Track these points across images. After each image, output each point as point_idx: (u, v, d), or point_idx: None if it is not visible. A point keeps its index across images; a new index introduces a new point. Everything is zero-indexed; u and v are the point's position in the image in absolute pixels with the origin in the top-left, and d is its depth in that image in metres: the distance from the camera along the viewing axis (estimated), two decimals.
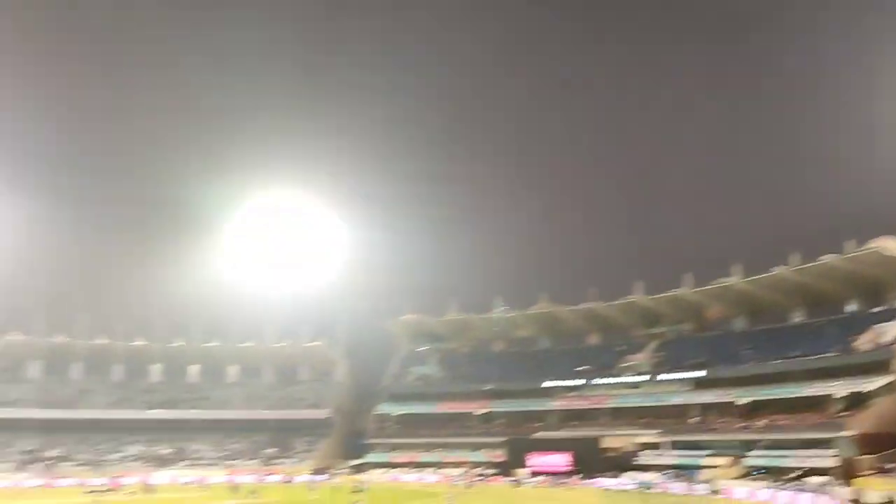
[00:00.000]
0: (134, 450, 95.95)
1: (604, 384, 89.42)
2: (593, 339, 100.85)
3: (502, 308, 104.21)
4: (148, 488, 63.57)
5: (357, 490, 53.21)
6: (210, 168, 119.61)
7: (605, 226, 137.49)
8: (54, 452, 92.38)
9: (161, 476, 79.29)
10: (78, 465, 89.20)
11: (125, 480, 72.73)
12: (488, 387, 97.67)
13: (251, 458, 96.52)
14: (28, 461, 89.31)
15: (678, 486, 63.88)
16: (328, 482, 75.81)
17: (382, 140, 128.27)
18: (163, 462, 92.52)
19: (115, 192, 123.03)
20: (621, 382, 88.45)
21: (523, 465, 76.44)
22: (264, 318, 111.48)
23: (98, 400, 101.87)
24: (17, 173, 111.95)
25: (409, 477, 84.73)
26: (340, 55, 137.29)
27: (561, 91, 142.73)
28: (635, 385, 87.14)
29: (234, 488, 64.00)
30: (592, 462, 74.79)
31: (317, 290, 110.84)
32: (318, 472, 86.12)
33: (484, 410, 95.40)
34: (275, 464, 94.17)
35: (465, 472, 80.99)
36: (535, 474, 75.33)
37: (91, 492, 65.30)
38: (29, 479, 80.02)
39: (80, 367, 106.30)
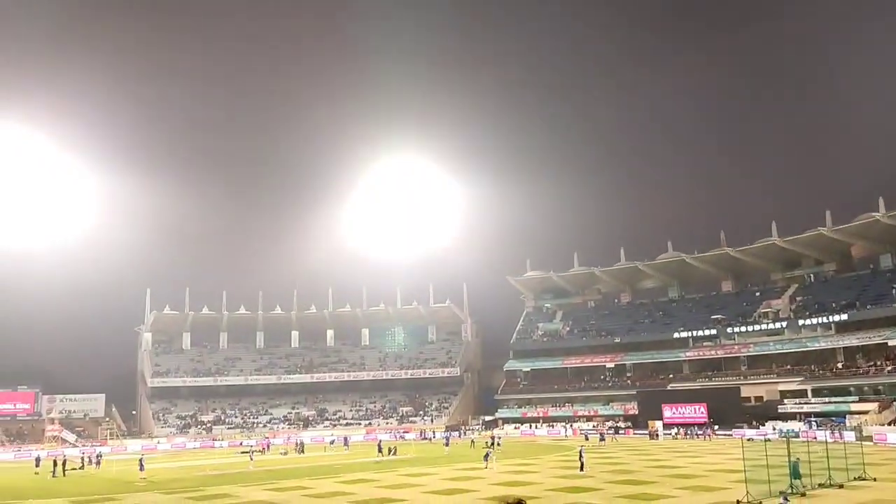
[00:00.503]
0: (279, 412, 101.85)
1: (740, 332, 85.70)
2: (726, 286, 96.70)
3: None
4: (298, 447, 66.98)
5: (490, 445, 54.02)
6: (336, 137, 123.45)
7: (733, 168, 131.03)
8: (209, 416, 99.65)
9: (306, 436, 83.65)
10: (230, 427, 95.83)
11: (275, 441, 77.38)
12: (617, 340, 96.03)
13: (387, 417, 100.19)
14: (186, 425, 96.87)
15: (825, 435, 60.59)
16: (462, 438, 77.44)
17: (499, 101, 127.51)
18: (306, 423, 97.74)
19: (249, 170, 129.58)
20: (759, 329, 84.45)
21: (657, 418, 74.93)
22: (392, 282, 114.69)
23: (244, 367, 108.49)
24: (157, 157, 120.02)
25: (540, 431, 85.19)
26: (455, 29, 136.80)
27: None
28: (775, 331, 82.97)
29: (375, 446, 66.65)
30: (731, 412, 72.22)
31: (441, 251, 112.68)
32: (451, 428, 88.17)
33: (614, 363, 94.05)
34: (410, 421, 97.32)
35: (597, 425, 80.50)
36: (669, 426, 73.68)
37: (244, 452, 69.91)
38: (189, 441, 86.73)
39: (226, 337, 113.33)
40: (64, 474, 49.30)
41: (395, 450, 59.42)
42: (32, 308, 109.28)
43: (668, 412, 76.39)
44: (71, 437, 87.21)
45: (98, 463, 56.83)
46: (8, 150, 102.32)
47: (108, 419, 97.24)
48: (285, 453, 65.32)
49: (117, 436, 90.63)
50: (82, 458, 59.04)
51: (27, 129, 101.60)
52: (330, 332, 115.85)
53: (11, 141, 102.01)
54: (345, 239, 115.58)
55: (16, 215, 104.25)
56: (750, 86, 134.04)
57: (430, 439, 78.61)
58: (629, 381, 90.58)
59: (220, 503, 31.44)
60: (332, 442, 76.81)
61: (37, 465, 54.34)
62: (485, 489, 33.21)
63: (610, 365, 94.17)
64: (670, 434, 71.38)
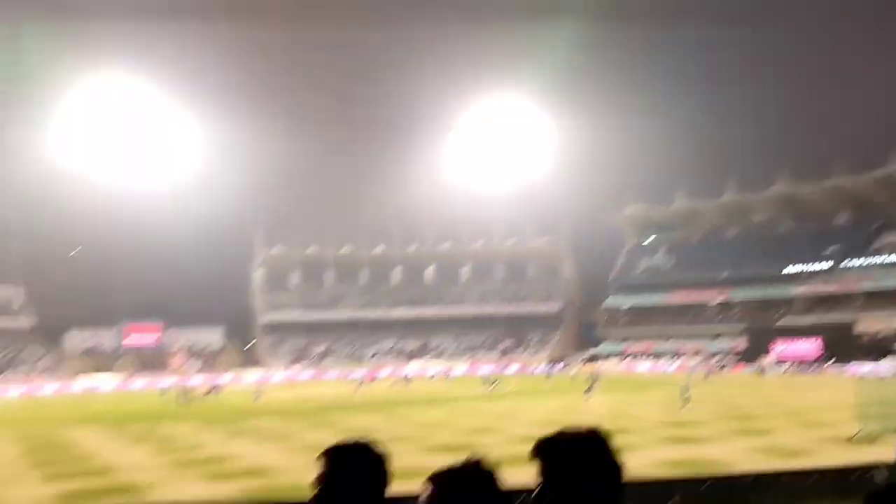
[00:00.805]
0: (384, 346, 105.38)
1: (856, 266, 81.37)
2: (841, 219, 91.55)
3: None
4: (406, 380, 69.26)
5: (591, 379, 54.27)
6: (437, 76, 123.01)
7: (848, 90, 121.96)
8: (319, 349, 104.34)
9: (410, 368, 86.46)
10: (339, 360, 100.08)
11: (381, 373, 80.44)
12: (724, 274, 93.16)
13: (488, 351, 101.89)
14: (298, 357, 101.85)
15: None
16: (563, 372, 77.97)
17: (594, 36, 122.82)
18: (410, 356, 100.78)
19: (354, 110, 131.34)
20: (877, 263, 79.89)
21: (766, 353, 72.85)
22: (492, 218, 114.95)
23: (350, 303, 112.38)
24: (262, 101, 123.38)
25: (643, 367, 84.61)
26: None
27: None
28: (893, 265, 78.29)
29: (480, 379, 68.16)
30: (845, 348, 69.28)
31: (542, 187, 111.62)
32: (552, 362, 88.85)
33: (720, 299, 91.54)
34: (511, 356, 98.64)
35: (703, 361, 79.10)
36: (780, 362, 71.56)
37: (352, 384, 73.13)
38: (300, 373, 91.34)
39: (332, 274, 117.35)
40: (189, 401, 53.18)
41: (497, 382, 60.58)
42: (156, 247, 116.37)
43: (777, 348, 74.11)
44: (194, 367, 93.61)
45: (219, 391, 60.95)
46: (122, 100, 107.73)
47: (226, 351, 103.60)
48: (394, 384, 67.52)
49: (235, 367, 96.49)
50: (212, 386, 63.51)
51: (138, 80, 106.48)
52: (431, 269, 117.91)
53: (125, 91, 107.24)
54: (446, 175, 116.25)
55: (137, 160, 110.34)
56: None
57: (532, 373, 79.62)
58: (737, 317, 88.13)
59: (331, 429, 33.18)
60: (432, 376, 79.04)
61: (165, 392, 58.85)
62: (586, 421, 33.47)
63: (716, 300, 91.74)
64: (780, 370, 69.39)
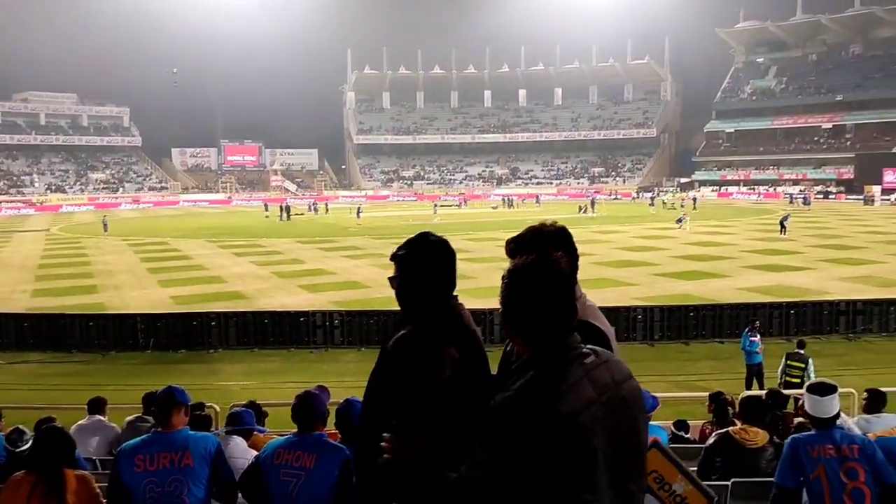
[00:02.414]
0: (474, 170, 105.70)
1: None
2: None
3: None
4: (506, 203, 68.81)
5: (684, 207, 53.22)
6: None
7: None
8: (409, 172, 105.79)
9: (500, 192, 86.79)
10: (430, 182, 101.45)
11: (472, 197, 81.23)
12: (839, 97, 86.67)
13: (579, 177, 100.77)
14: (389, 179, 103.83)
15: None
16: (656, 199, 76.63)
17: None
18: (500, 181, 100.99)
19: None
20: None
21: (877, 183, 68.97)
22: (588, 37, 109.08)
23: (440, 126, 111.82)
24: None
25: (741, 195, 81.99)
26: None
27: None
28: None
29: (570, 204, 68.04)
30: None
31: (642, 3, 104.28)
32: (644, 189, 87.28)
33: (832, 124, 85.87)
34: (601, 182, 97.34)
35: (804, 189, 75.83)
36: (889, 192, 67.82)
37: (441, 205, 74.42)
38: (393, 194, 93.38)
39: (422, 96, 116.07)
40: (289, 218, 55.71)
41: (587, 208, 60.10)
42: (251, 70, 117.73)
43: (889, 177, 70.02)
44: (292, 187, 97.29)
45: (317, 210, 63.45)
46: None
47: (321, 172, 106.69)
48: (495, 208, 67.96)
49: (330, 187, 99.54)
50: (310, 205, 66.15)
51: None
52: (522, 92, 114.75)
53: None
54: None
55: None
56: None
57: (617, 199, 78.64)
58: (848, 144, 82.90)
59: None
60: (523, 201, 78.76)
61: (266, 210, 61.74)
62: (676, 248, 33.32)
63: (827, 125, 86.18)
64: (889, 200, 65.95)
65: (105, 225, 45.73)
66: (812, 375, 11.88)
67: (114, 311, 19.69)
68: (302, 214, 60.84)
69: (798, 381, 11.72)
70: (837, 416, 4.11)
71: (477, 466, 1.92)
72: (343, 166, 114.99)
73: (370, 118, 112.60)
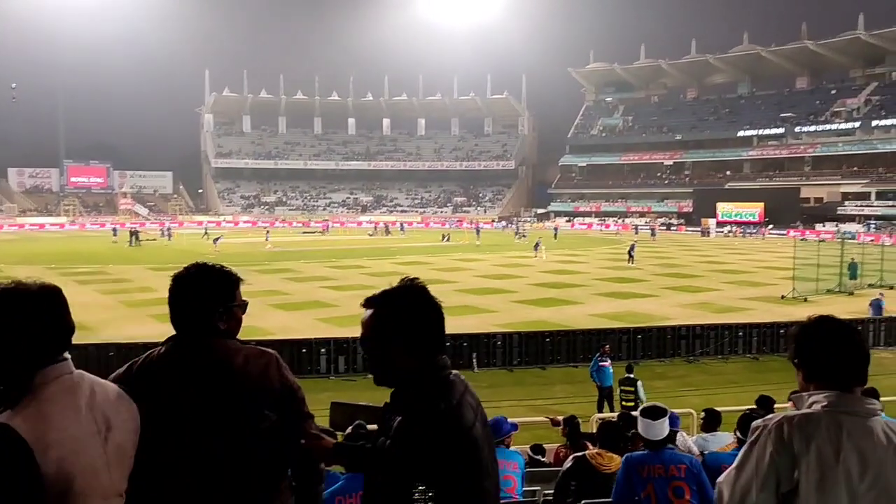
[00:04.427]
0: (338, 197, 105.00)
1: (809, 132, 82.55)
2: (801, 83, 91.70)
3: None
4: (381, 230, 68.27)
5: (539, 237, 55.47)
6: None
7: None
8: (271, 198, 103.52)
9: (367, 219, 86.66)
10: (292, 209, 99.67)
11: (335, 224, 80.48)
12: (678, 137, 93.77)
13: (442, 206, 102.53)
14: (250, 205, 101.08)
15: (885, 238, 60.03)
16: (513, 229, 79.12)
17: None
18: (364, 208, 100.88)
19: None
20: (829, 130, 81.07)
21: (712, 216, 74.90)
22: (449, 71, 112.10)
23: (303, 152, 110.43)
24: None
25: (592, 226, 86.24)
26: None
27: None
28: (845, 132, 79.55)
29: (429, 232, 68.99)
30: (788, 213, 71.59)
31: (501, 41, 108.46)
32: (504, 219, 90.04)
33: (673, 161, 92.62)
34: (464, 211, 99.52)
35: (649, 221, 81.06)
36: (723, 224, 73.81)
37: (305, 232, 73.33)
38: (252, 220, 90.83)
39: (285, 121, 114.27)
40: (139, 244, 52.83)
41: (449, 237, 61.37)
42: (102, 87, 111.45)
43: (722, 211, 76.19)
44: (143, 211, 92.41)
45: (170, 236, 60.58)
46: None
47: (176, 196, 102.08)
48: (371, 234, 67.47)
49: (185, 212, 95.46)
50: (161, 230, 63.04)
51: None
52: (386, 121, 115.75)
53: None
54: (404, 20, 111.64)
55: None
56: None
57: (483, 229, 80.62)
58: (687, 180, 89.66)
59: (284, 276, 33.53)
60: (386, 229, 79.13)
61: (114, 235, 58.26)
62: (533, 276, 34.50)
63: (668, 162, 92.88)
64: (723, 232, 71.72)
65: None
66: (642, 395, 12.64)
67: None
68: (154, 240, 57.90)
69: (632, 403, 12.42)
70: (669, 437, 4.34)
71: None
72: (200, 190, 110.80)
73: (229, 142, 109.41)
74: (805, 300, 26.33)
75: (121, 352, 16.44)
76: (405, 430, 2.01)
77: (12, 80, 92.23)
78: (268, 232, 59.45)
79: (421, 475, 1.96)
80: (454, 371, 2.19)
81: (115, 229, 61.64)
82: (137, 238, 53.95)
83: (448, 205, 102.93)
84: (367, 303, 2.21)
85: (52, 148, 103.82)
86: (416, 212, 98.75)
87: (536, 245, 44.98)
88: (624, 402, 12.90)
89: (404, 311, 2.14)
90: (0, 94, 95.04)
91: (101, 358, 16.28)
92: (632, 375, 13.18)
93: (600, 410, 13.39)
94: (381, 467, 2.07)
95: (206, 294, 2.39)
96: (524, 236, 60.58)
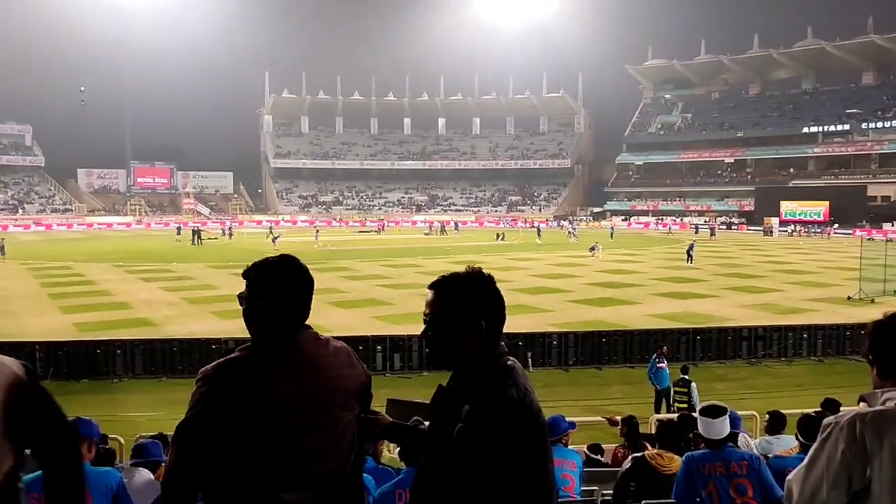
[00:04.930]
0: (393, 196, 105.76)
1: (875, 128, 79.62)
2: (867, 79, 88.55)
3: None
4: (438, 230, 68.42)
5: (596, 237, 54.84)
6: None
7: None
8: (328, 197, 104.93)
9: (421, 218, 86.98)
10: (348, 208, 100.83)
11: (391, 223, 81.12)
12: (740, 134, 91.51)
13: (496, 205, 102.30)
14: (307, 204, 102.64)
15: None
16: (569, 228, 78.42)
17: None
18: (418, 207, 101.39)
19: None
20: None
21: (775, 215, 72.85)
22: (505, 70, 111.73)
23: (359, 152, 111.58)
24: None
25: (649, 225, 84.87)
26: None
27: None
28: None
29: (485, 232, 68.91)
30: (854, 212, 69.22)
31: (557, 39, 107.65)
32: (558, 218, 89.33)
33: (734, 158, 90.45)
34: (518, 210, 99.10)
35: (709, 220, 79.31)
36: (786, 224, 71.74)
37: (361, 232, 74.12)
38: (309, 219, 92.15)
39: (342, 122, 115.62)
40: (201, 243, 54.20)
41: (504, 236, 61.14)
42: (166, 91, 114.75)
43: (786, 210, 74.08)
44: (205, 211, 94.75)
45: (231, 235, 61.99)
46: None
47: (236, 196, 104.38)
48: (427, 234, 67.90)
49: (245, 211, 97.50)
50: (223, 229, 64.58)
51: None
52: (441, 121, 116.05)
53: None
54: (460, 20, 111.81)
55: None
56: None
57: (539, 228, 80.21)
58: (748, 178, 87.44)
59: (341, 274, 33.98)
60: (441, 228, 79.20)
61: (178, 234, 59.93)
62: (589, 275, 34.17)
63: (729, 160, 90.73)
64: (786, 231, 69.74)
65: (2, 248, 43.28)
66: (695, 397, 12.40)
67: (9, 338, 18.59)
68: (215, 239, 59.33)
69: (686, 405, 12.21)
70: (730, 437, 4.27)
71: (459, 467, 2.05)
72: (259, 190, 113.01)
73: (288, 142, 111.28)
74: (872, 301, 25.42)
75: (183, 347, 16.98)
76: (479, 417, 2.03)
77: (81, 83, 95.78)
78: (317, 231, 60.22)
79: (494, 461, 1.99)
80: (511, 357, 2.22)
81: (178, 228, 63.40)
82: (200, 237, 55.33)
83: (503, 204, 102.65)
84: (437, 284, 2.24)
85: (119, 149, 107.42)
86: (471, 211, 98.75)
87: (593, 248, 44.35)
88: (678, 405, 12.69)
89: (476, 296, 2.18)
90: (70, 97, 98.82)
91: (165, 352, 16.84)
92: (686, 377, 12.95)
93: (657, 411, 13.21)
94: (449, 452, 2.08)
95: (310, 285, 2.44)
96: (575, 236, 59.84)
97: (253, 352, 2.32)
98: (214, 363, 2.30)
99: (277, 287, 2.37)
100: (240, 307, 2.49)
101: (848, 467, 2.00)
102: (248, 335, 2.43)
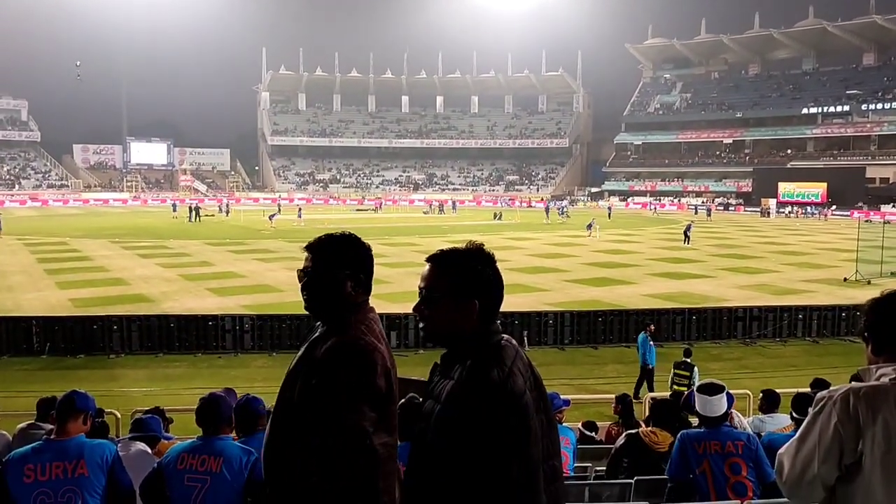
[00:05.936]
0: (391, 175, 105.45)
1: (875, 110, 79.39)
2: (868, 60, 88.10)
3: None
4: (436, 209, 68.13)
5: (593, 216, 54.76)
6: None
7: None
8: (325, 175, 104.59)
9: (415, 197, 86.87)
10: (346, 186, 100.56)
11: (388, 201, 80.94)
12: (739, 114, 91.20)
13: (494, 185, 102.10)
14: (305, 182, 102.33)
15: None
16: (566, 208, 78.37)
17: None
18: (416, 186, 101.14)
19: None
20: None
21: (773, 196, 72.81)
22: (504, 48, 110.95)
23: (357, 129, 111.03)
24: None
25: (647, 205, 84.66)
26: None
27: None
28: None
29: (484, 211, 68.76)
30: (852, 193, 69.21)
31: (557, 18, 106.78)
32: (556, 198, 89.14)
33: (732, 139, 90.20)
34: (516, 190, 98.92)
35: (706, 200, 79.25)
36: (784, 205, 71.73)
37: (358, 210, 73.98)
38: (306, 197, 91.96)
39: (339, 99, 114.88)
40: (199, 220, 54.09)
41: (501, 215, 61.13)
42: (163, 67, 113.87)
43: (784, 191, 74.04)
44: (202, 188, 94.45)
45: (227, 212, 61.84)
46: None
47: (233, 173, 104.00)
48: (426, 213, 67.75)
49: (242, 189, 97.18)
50: (219, 206, 64.42)
51: None
52: (440, 99, 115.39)
53: None
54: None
55: None
56: None
57: (536, 208, 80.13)
58: (746, 158, 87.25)
59: None
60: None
61: (174, 210, 59.78)
62: (586, 255, 34.20)
63: (728, 140, 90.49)
64: (783, 213, 69.74)
65: None
66: (696, 383, 12.40)
67: (6, 313, 18.59)
68: (212, 216, 59.20)
69: (685, 388, 12.22)
70: (726, 415, 4.29)
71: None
72: (256, 167, 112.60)
73: (285, 119, 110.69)
74: (868, 283, 25.48)
75: (180, 323, 17.00)
76: (456, 398, 2.03)
77: (78, 59, 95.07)
78: (300, 209, 59.16)
79: (469, 441, 1.98)
80: (505, 336, 2.20)
81: (174, 205, 63.22)
82: (198, 214, 55.19)
83: (500, 183, 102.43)
84: (434, 257, 2.23)
85: (115, 125, 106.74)
86: (469, 190, 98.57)
87: (590, 225, 44.45)
88: (676, 387, 12.71)
89: (473, 272, 2.16)
90: (66, 72, 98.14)
91: (162, 328, 16.85)
92: (689, 360, 12.96)
93: (640, 389, 13.33)
94: (427, 429, 2.09)
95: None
96: (567, 216, 59.77)
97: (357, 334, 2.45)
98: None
99: (369, 261, 2.58)
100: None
101: (840, 441, 2.00)
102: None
